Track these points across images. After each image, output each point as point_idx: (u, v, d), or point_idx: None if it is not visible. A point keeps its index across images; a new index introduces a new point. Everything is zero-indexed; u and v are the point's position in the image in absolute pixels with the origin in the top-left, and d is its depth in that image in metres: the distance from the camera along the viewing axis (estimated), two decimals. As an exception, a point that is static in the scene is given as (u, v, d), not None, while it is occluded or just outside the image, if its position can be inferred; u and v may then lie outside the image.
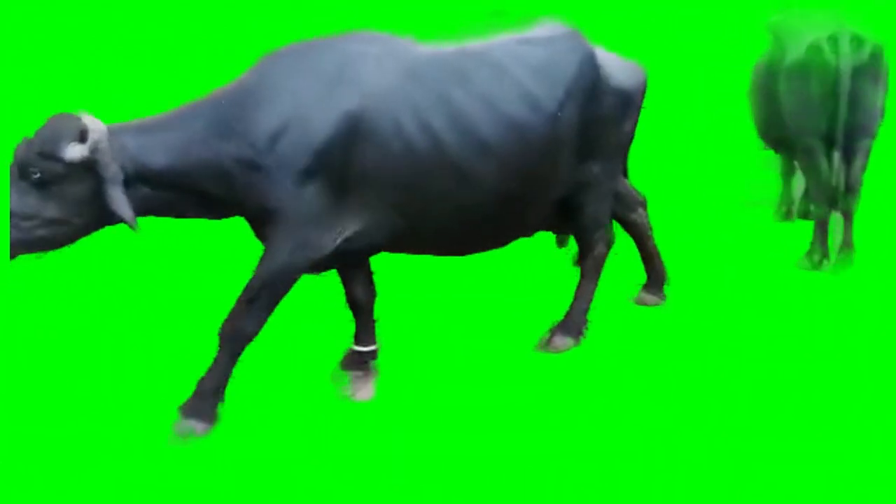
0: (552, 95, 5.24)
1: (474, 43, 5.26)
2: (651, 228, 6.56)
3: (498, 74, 5.12)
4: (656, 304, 6.58)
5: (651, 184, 7.50)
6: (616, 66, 5.66)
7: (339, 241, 4.81)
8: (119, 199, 4.50)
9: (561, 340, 5.83)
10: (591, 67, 5.45)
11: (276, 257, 4.74)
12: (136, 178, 4.61)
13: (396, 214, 4.91)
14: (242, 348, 4.81)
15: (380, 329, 5.49)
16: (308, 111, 4.70)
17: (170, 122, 4.73)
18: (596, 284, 5.96)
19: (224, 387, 4.84)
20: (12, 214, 4.48)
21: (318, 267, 4.97)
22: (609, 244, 6.06)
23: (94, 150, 4.48)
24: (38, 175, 4.48)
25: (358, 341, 5.45)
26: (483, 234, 5.34)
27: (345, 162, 4.73)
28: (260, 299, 4.75)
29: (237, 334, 4.76)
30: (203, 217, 4.91)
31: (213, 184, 4.70)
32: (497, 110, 5.04)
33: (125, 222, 4.54)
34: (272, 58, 4.89)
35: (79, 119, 4.55)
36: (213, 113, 4.71)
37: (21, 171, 4.51)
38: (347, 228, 4.83)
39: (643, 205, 6.54)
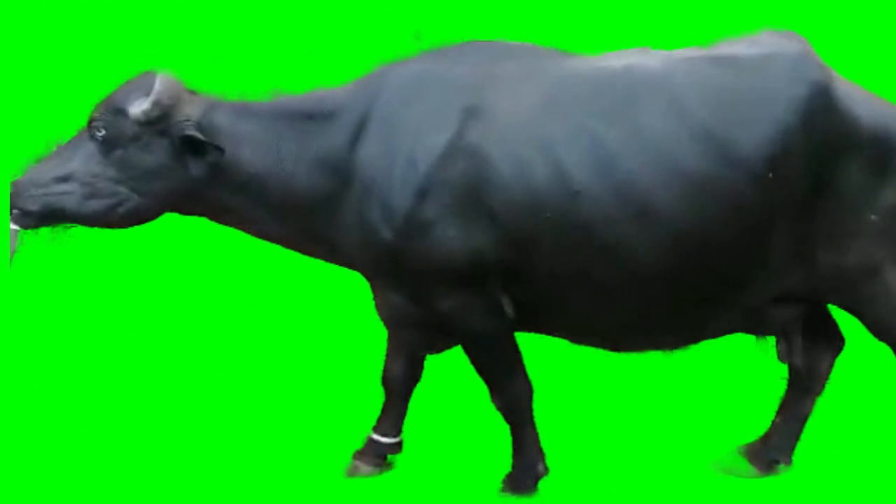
0: (758, 143, 3.85)
1: (646, 58, 4.06)
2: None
3: (673, 106, 3.86)
4: (757, 476, 4.51)
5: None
6: (871, 109, 4.02)
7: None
8: (199, 134, 3.99)
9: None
10: (826, 106, 3.90)
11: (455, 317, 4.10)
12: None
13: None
14: (526, 411, 4.26)
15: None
16: (414, 145, 3.95)
17: (263, 114, 4.14)
18: None
19: (541, 457, 4.30)
20: (66, 179, 4.03)
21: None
22: None
23: (155, 105, 3.97)
24: (103, 133, 4.04)
25: (378, 428, 4.59)
26: (638, 330, 4.16)
27: (459, 206, 3.93)
28: (485, 364, 4.23)
29: (507, 402, 4.24)
30: (257, 235, 4.30)
31: (293, 204, 4.11)
32: (665, 157, 3.83)
33: (212, 148, 3.98)
34: (387, 75, 4.13)
35: (155, 75, 4.08)
36: (308, 128, 4.11)
37: (89, 130, 4.09)
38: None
39: (836, 351, 4.52)
